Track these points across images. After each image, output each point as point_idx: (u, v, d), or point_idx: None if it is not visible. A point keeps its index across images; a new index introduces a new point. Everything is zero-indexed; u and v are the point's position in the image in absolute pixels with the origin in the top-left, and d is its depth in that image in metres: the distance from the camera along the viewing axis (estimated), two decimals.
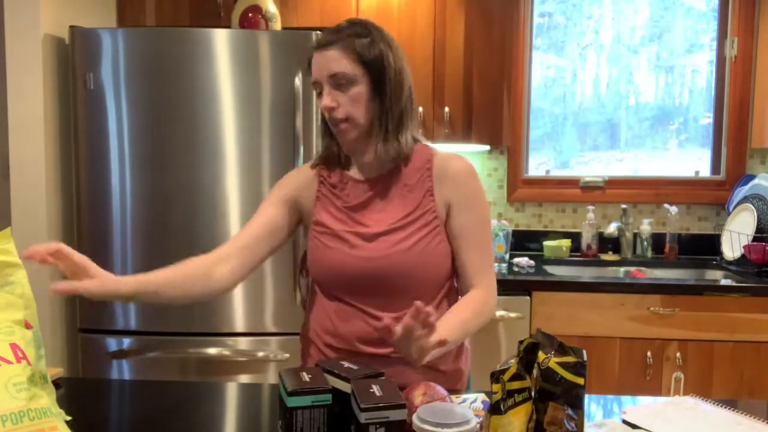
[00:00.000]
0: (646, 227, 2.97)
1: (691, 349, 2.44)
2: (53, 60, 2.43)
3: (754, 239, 2.67)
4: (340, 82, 1.30)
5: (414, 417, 0.98)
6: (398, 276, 1.32)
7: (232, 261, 1.36)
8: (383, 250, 1.33)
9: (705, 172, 3.12)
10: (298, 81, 2.33)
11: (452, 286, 1.44)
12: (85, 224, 2.42)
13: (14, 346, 1.09)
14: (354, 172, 1.42)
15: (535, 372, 0.99)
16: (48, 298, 2.42)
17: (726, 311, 2.42)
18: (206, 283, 1.32)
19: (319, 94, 1.34)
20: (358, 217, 1.38)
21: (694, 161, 3.15)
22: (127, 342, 2.41)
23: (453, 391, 1.31)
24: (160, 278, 1.27)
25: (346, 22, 1.34)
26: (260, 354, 2.40)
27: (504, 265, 2.75)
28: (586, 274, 2.88)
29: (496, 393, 0.94)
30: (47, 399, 1.05)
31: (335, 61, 1.29)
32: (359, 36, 1.31)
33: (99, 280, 1.19)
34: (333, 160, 1.42)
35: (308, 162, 1.49)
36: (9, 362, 1.05)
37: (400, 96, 1.34)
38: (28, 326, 1.14)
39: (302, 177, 1.45)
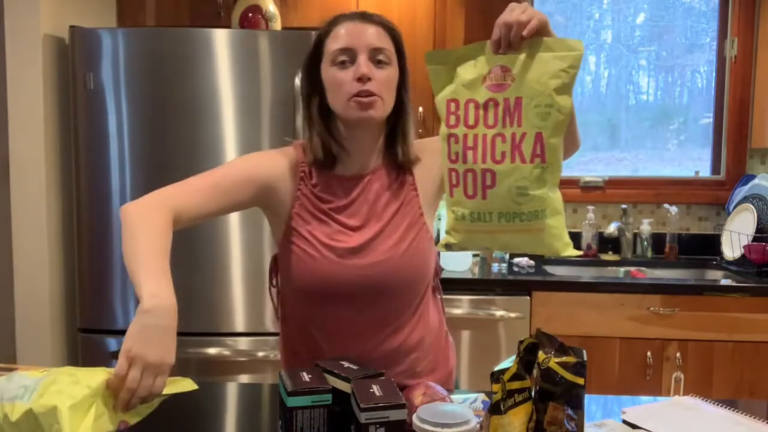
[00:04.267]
0: (646, 227, 2.97)
1: (691, 349, 2.44)
2: (53, 60, 2.43)
3: (754, 239, 2.67)
4: (380, 59, 1.24)
5: (414, 417, 0.98)
6: (394, 280, 1.27)
7: (186, 222, 1.27)
8: (377, 256, 1.26)
9: (705, 172, 3.12)
10: (298, 81, 2.33)
11: (435, 285, 1.42)
12: (85, 224, 2.41)
13: None
14: (340, 169, 1.31)
15: (535, 372, 0.99)
16: (48, 298, 2.42)
17: (726, 311, 2.42)
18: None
19: (341, 63, 1.24)
20: (344, 219, 1.28)
21: (694, 161, 3.15)
22: None
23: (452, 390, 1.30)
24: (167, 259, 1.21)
25: (377, 14, 1.31)
26: (260, 354, 2.40)
27: (504, 265, 2.75)
28: (586, 274, 2.88)
29: (496, 393, 0.94)
30: None
31: (380, 37, 1.25)
32: (396, 30, 1.30)
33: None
34: (327, 160, 1.29)
35: (287, 146, 1.35)
36: None
37: (409, 98, 1.32)
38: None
39: (283, 165, 1.30)
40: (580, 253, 1.09)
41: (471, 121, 1.11)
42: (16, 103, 2.38)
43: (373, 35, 1.24)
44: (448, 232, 1.17)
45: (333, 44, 1.25)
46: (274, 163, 1.30)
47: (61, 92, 2.48)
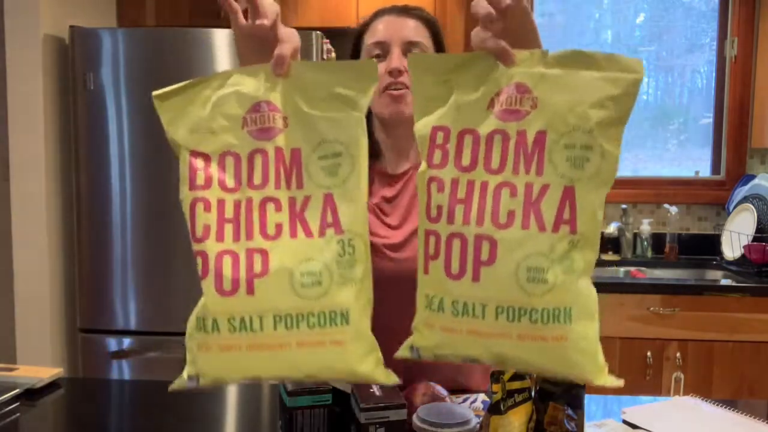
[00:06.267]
0: (646, 227, 2.97)
1: (691, 349, 2.44)
2: (53, 60, 2.43)
3: (754, 239, 2.67)
4: (414, 52, 1.22)
5: (414, 417, 0.98)
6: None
7: None
8: (412, 252, 1.24)
9: (705, 172, 3.12)
10: None
11: None
12: (85, 224, 2.41)
13: (328, 200, 0.82)
14: (382, 165, 1.31)
15: None
16: (48, 298, 2.42)
17: (726, 311, 2.42)
18: None
19: (376, 57, 1.23)
20: (384, 217, 1.27)
21: (694, 161, 3.15)
22: (127, 342, 2.41)
23: (454, 390, 1.30)
24: None
25: (419, 6, 1.29)
26: None
27: None
28: None
29: (496, 393, 0.94)
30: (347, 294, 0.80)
31: (416, 30, 1.24)
32: (436, 23, 1.29)
33: None
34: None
35: None
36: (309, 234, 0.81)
37: None
38: (340, 231, 0.82)
39: None
40: (621, 383, 0.76)
41: (466, 161, 0.79)
42: (16, 103, 2.38)
43: (409, 28, 1.23)
44: (416, 328, 0.83)
45: (369, 38, 1.25)
46: None
47: (61, 92, 2.48)
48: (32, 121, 2.38)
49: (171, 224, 2.39)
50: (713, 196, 3.03)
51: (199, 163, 0.85)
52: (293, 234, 0.81)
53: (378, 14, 1.27)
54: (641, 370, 2.46)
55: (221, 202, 0.83)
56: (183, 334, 0.86)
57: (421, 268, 0.82)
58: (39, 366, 1.43)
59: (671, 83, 3.19)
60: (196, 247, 0.82)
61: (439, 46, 1.27)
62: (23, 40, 2.35)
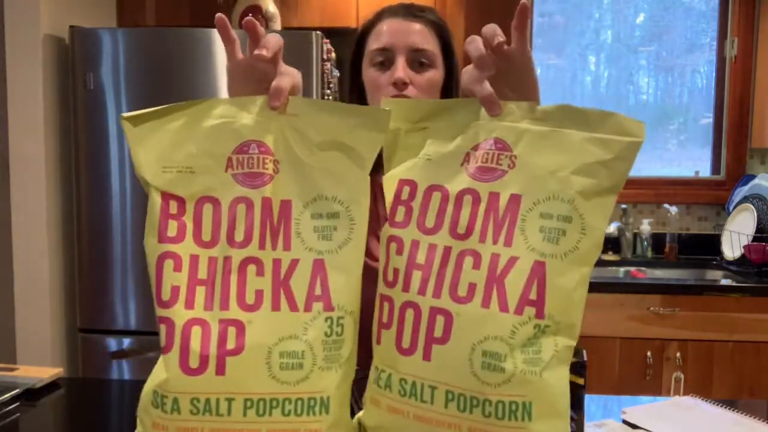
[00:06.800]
0: (646, 227, 2.97)
1: (691, 349, 2.44)
2: (53, 60, 2.43)
3: (754, 239, 2.67)
4: (420, 61, 1.14)
5: None
6: None
7: None
8: None
9: (705, 172, 3.12)
10: None
11: None
12: (85, 224, 2.41)
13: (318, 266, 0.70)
14: (382, 177, 1.23)
15: None
16: (48, 298, 2.42)
17: (726, 311, 2.42)
18: None
19: (380, 63, 1.15)
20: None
21: (694, 161, 3.15)
22: (127, 342, 2.41)
23: None
24: None
25: (427, 7, 1.21)
26: None
27: None
28: None
29: None
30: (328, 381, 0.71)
31: (423, 36, 1.15)
32: (445, 26, 1.20)
33: None
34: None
35: None
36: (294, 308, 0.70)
37: None
38: (329, 307, 0.71)
39: None
40: None
41: (430, 222, 0.70)
42: (16, 103, 2.38)
43: (415, 34, 1.14)
44: (365, 402, 0.76)
45: (373, 43, 1.17)
46: None
47: (61, 92, 2.48)
48: (32, 121, 2.38)
49: None
50: (713, 196, 3.03)
51: (172, 208, 0.72)
52: (275, 305, 0.70)
53: (383, 15, 1.19)
54: (641, 370, 2.46)
55: (194, 259, 0.71)
56: None
57: (374, 336, 0.74)
58: (39, 366, 1.43)
59: (671, 83, 3.19)
60: (160, 312, 0.71)
61: (447, 52, 1.19)
62: (23, 40, 2.35)
